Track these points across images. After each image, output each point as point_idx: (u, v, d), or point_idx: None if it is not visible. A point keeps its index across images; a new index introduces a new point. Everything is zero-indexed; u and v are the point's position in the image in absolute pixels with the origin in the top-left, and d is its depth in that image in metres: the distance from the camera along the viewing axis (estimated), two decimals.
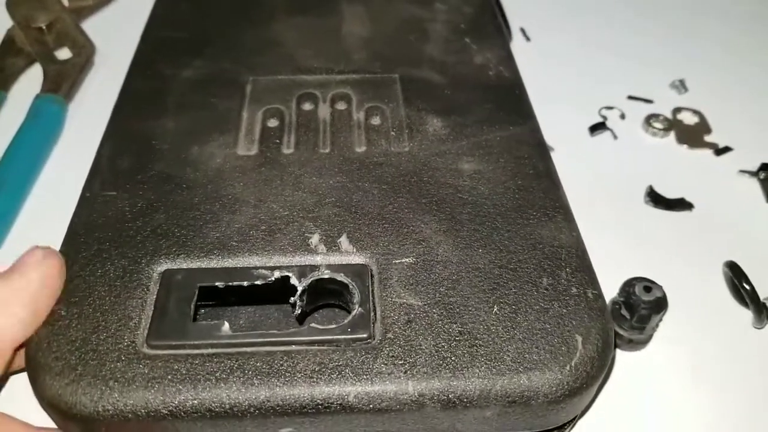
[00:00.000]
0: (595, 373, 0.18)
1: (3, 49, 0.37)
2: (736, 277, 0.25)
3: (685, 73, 0.38)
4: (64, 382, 0.17)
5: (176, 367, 0.17)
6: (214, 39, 0.30)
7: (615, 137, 0.34)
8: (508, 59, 0.29)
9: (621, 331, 0.24)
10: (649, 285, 0.23)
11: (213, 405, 0.17)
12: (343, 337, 0.18)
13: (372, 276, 0.20)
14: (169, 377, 0.17)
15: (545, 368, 0.18)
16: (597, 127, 0.34)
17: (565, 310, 0.19)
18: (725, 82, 0.38)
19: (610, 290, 0.24)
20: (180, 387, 0.17)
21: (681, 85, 0.37)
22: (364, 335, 0.18)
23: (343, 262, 0.20)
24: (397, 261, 0.20)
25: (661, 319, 0.24)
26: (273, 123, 0.25)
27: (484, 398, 0.17)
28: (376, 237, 0.21)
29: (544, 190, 0.23)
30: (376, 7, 0.32)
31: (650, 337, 0.25)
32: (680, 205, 0.30)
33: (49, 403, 0.17)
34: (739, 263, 0.27)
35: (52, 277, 0.19)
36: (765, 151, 0.32)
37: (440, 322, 0.19)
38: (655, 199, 0.30)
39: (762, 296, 0.26)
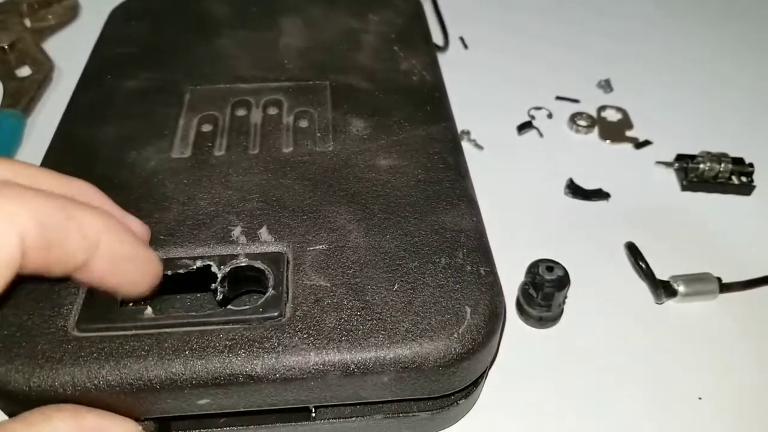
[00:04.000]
0: (482, 340, 0.20)
1: None
2: (633, 256, 0.28)
3: (611, 73, 0.40)
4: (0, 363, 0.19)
5: (101, 346, 0.19)
6: (159, 53, 0.32)
7: (541, 135, 0.36)
8: (432, 65, 0.31)
9: (530, 309, 0.26)
10: (551, 265, 0.25)
11: (133, 379, 0.19)
12: (255, 316, 0.20)
13: (287, 262, 0.22)
14: (95, 356, 0.19)
15: (435, 336, 0.20)
16: (524, 126, 0.36)
17: (458, 286, 0.21)
18: (648, 81, 0.40)
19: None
20: (104, 364, 0.19)
21: (607, 85, 0.39)
22: (275, 314, 0.20)
23: (262, 251, 0.22)
24: (311, 248, 0.22)
25: (565, 296, 0.26)
26: (207, 128, 0.27)
27: (380, 365, 0.19)
28: (294, 228, 0.23)
29: (452, 182, 0.25)
30: (313, 19, 0.34)
31: (559, 314, 0.27)
32: (597, 195, 0.32)
33: None
34: (652, 246, 0.29)
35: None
36: (681, 144, 0.35)
37: (345, 300, 0.20)
38: (574, 190, 0.32)
39: (667, 275, 0.28)
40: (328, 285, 0.21)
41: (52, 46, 0.42)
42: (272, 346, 0.19)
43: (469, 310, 0.20)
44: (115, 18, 0.35)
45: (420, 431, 0.23)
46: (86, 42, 0.33)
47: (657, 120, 0.37)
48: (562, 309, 0.27)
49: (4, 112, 0.35)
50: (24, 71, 0.39)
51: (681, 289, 0.27)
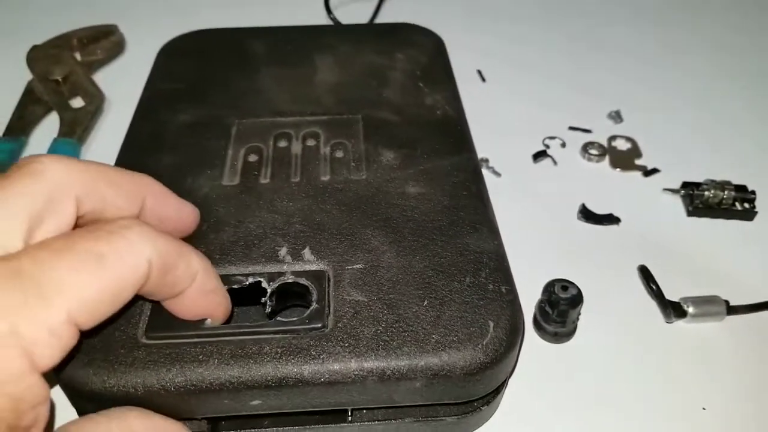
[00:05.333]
0: (504, 351, 0.22)
1: (24, 99, 0.42)
2: (645, 278, 0.30)
3: (622, 105, 0.43)
4: (78, 366, 0.22)
5: (167, 352, 0.22)
6: (207, 89, 0.35)
7: (555, 163, 0.38)
8: (454, 100, 0.34)
9: (546, 326, 0.28)
10: (566, 284, 0.28)
11: (196, 381, 0.21)
12: (301, 327, 0.22)
13: (328, 279, 0.24)
14: (161, 360, 0.22)
15: (462, 347, 0.22)
16: (539, 155, 0.39)
17: (482, 302, 0.23)
18: (657, 112, 0.43)
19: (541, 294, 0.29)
20: (169, 367, 0.21)
21: (617, 116, 0.42)
22: (319, 325, 0.23)
23: (305, 269, 0.25)
24: (349, 267, 0.25)
25: (579, 313, 0.28)
26: (253, 158, 0.30)
27: (412, 372, 0.22)
28: (333, 248, 0.25)
29: (474, 208, 0.27)
30: (344, 57, 0.38)
31: (573, 330, 0.29)
32: (608, 219, 0.35)
33: (66, 384, 0.22)
34: (661, 268, 0.31)
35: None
36: (688, 172, 0.37)
37: (380, 314, 0.23)
38: (586, 215, 0.35)
39: (677, 296, 0.30)
40: (365, 300, 0.24)
41: (101, 79, 0.45)
42: (318, 353, 0.22)
43: (492, 324, 0.23)
44: (163, 55, 0.38)
45: None
46: (133, 75, 0.36)
47: (665, 149, 0.40)
48: (576, 325, 0.29)
49: (62, 140, 0.39)
50: (77, 102, 0.42)
51: (690, 310, 0.29)
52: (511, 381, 0.27)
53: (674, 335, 0.29)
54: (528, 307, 0.29)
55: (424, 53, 0.38)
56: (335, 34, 0.41)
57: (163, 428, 0.21)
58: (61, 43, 0.47)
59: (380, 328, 0.23)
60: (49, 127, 0.41)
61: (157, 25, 0.45)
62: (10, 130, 0.40)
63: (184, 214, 0.25)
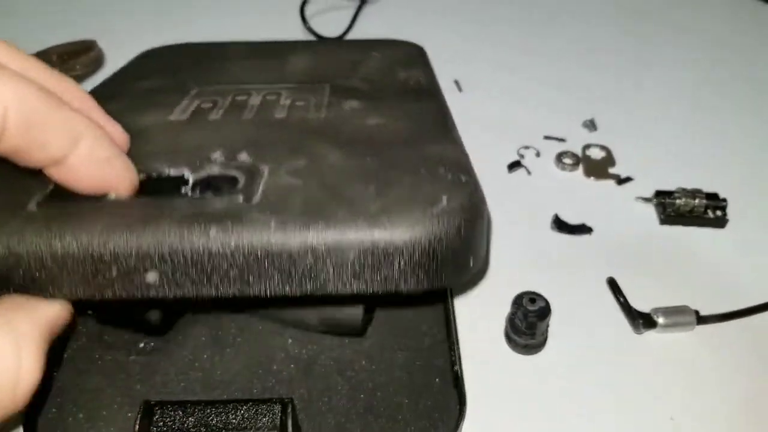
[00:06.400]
0: (461, 225, 0.19)
1: None
2: (613, 291, 0.30)
3: (596, 114, 0.43)
4: None
5: (54, 216, 0.19)
6: (176, 72, 0.34)
7: (529, 173, 0.39)
8: (430, 75, 0.33)
9: (516, 338, 0.28)
10: (534, 297, 0.28)
11: (78, 246, 0.18)
12: (219, 198, 0.20)
13: (263, 174, 0.21)
14: (46, 222, 0.19)
15: (408, 214, 0.19)
16: (513, 165, 0.39)
17: (437, 185, 0.20)
18: (631, 121, 0.43)
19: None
20: (53, 230, 0.18)
21: (591, 125, 0.42)
22: (240, 198, 0.20)
23: (238, 166, 0.22)
24: (287, 163, 0.22)
25: (547, 325, 0.28)
26: (207, 105, 0.28)
27: (346, 240, 0.18)
28: (275, 153, 0.23)
29: (439, 130, 0.25)
30: (320, 54, 0.37)
31: (543, 342, 0.29)
32: (580, 230, 0.35)
33: None
34: (633, 277, 0.31)
35: None
36: (660, 180, 0.37)
37: (315, 192, 0.20)
38: (559, 225, 0.35)
39: (650, 305, 0.30)
40: (301, 183, 0.21)
41: None
42: (230, 218, 0.19)
43: (445, 197, 0.20)
44: (139, 57, 0.39)
45: None
46: None
47: (638, 158, 0.40)
48: (546, 337, 0.29)
49: None
50: None
51: (661, 320, 0.30)
52: (481, 391, 0.27)
53: (645, 345, 0.29)
54: (500, 319, 0.29)
55: (409, 63, 0.37)
56: (310, 47, 0.41)
57: (40, 309, 0.19)
58: (42, 59, 0.47)
59: (311, 199, 0.20)
60: None
61: (135, 41, 0.45)
62: None
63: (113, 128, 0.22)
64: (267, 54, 0.37)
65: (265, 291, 0.19)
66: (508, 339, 0.29)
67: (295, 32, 0.52)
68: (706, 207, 0.35)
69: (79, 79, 0.47)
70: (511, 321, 0.28)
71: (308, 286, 0.19)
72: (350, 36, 0.52)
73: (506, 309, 0.29)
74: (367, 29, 0.53)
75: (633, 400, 0.27)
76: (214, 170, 0.21)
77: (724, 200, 0.35)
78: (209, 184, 0.21)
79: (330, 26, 0.52)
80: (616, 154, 0.40)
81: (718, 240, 0.35)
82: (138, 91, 0.31)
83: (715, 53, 0.51)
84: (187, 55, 0.38)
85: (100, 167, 0.19)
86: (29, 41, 0.47)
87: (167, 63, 0.37)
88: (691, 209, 0.35)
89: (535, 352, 0.29)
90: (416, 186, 0.20)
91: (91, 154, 0.19)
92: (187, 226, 0.18)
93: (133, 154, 0.22)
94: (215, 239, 0.18)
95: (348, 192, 0.20)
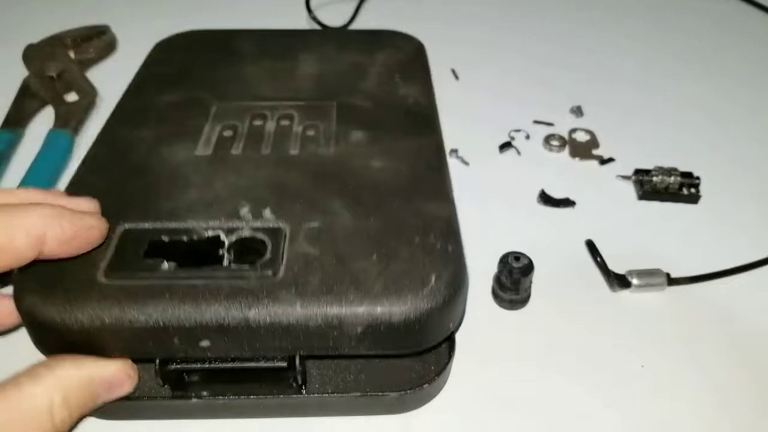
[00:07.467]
0: (444, 301, 0.24)
1: (20, 94, 0.45)
2: (591, 252, 0.33)
3: (583, 101, 0.46)
4: (36, 299, 0.23)
5: (123, 290, 0.23)
6: (194, 76, 0.37)
7: (519, 153, 0.41)
8: (428, 92, 0.36)
9: (502, 294, 0.31)
10: (518, 255, 0.30)
11: (148, 318, 0.23)
12: (253, 273, 0.24)
13: (285, 236, 0.26)
14: (117, 297, 0.23)
15: (403, 295, 0.24)
16: (504, 146, 0.41)
17: (427, 259, 0.25)
18: (614, 107, 0.46)
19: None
20: (125, 304, 0.23)
21: (578, 111, 0.45)
22: (270, 272, 0.24)
23: (264, 227, 0.26)
24: (305, 225, 0.26)
25: (531, 282, 0.31)
26: (228, 133, 0.32)
27: (355, 316, 0.23)
28: (293, 210, 0.27)
29: (433, 181, 0.29)
30: (327, 55, 0.40)
31: (527, 298, 0.32)
32: (565, 203, 0.37)
33: (25, 314, 0.23)
34: (611, 246, 0.34)
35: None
36: (639, 160, 0.40)
37: (330, 266, 0.25)
38: (545, 199, 0.38)
39: (624, 269, 0.33)
40: (317, 253, 0.25)
41: (93, 76, 0.48)
42: (265, 297, 0.23)
43: (434, 276, 0.24)
44: (157, 48, 0.41)
45: (392, 410, 0.27)
46: (124, 73, 0.39)
47: (620, 140, 0.43)
48: (529, 294, 0.32)
49: (57, 131, 0.41)
50: (71, 97, 0.45)
51: (634, 281, 0.32)
52: (469, 341, 0.29)
53: (619, 303, 0.32)
54: (488, 279, 0.32)
55: (404, 55, 0.40)
56: (315, 39, 0.43)
57: (96, 368, 0.22)
58: (56, 42, 0.50)
59: (328, 277, 0.24)
60: (44, 119, 0.43)
61: (146, 27, 0.47)
62: (7, 122, 0.42)
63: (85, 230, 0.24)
64: (276, 51, 0.40)
65: (287, 351, 0.24)
66: (495, 296, 0.32)
67: (300, 22, 0.54)
68: (681, 184, 0.38)
69: (92, 62, 0.50)
70: (498, 279, 0.31)
71: (322, 350, 0.24)
72: (354, 26, 0.55)
73: (494, 271, 0.32)
74: (370, 19, 0.55)
75: (608, 351, 0.30)
76: (245, 233, 0.26)
77: (698, 178, 0.38)
78: (242, 247, 0.26)
79: (334, 16, 0.55)
80: (600, 138, 0.43)
81: (691, 214, 0.38)
82: (161, 109, 0.35)
83: (696, 42, 0.54)
84: (199, 50, 0.41)
85: (72, 242, 0.23)
86: (45, 26, 0.50)
87: (183, 62, 0.39)
88: (667, 186, 0.38)
89: (520, 308, 0.31)
90: (412, 260, 0.25)
91: (59, 239, 0.23)
92: (233, 304, 0.23)
93: (175, 200, 0.28)
94: (254, 317, 0.23)
95: (356, 265, 0.25)
